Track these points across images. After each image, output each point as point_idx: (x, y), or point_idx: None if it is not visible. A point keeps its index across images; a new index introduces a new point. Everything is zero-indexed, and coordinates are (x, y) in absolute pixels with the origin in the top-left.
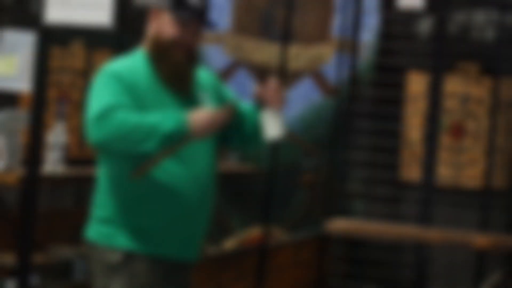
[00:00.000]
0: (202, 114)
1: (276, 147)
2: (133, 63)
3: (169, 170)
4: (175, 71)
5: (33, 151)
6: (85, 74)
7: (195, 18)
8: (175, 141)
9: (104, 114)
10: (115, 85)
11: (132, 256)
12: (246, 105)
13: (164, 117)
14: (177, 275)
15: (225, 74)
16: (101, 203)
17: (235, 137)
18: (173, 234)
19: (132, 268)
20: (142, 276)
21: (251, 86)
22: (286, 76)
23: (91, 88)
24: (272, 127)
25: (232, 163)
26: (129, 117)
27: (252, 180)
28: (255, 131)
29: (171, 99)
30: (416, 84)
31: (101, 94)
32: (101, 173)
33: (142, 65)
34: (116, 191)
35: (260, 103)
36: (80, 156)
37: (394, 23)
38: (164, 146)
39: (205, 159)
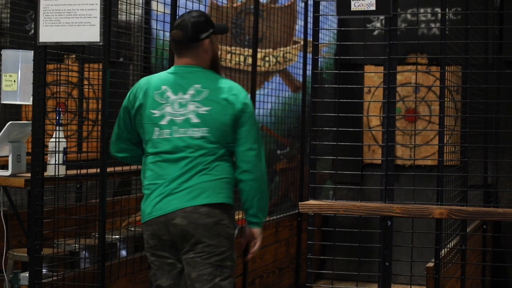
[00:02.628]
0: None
1: None
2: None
3: None
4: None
5: (37, 156)
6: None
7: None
8: None
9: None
10: None
11: None
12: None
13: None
14: None
15: None
16: None
17: None
18: None
19: None
20: None
21: None
22: (257, 76)
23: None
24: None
25: None
26: None
27: None
28: None
29: None
30: (372, 76)
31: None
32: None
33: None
34: None
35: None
36: (78, 158)
37: (350, 24)
38: None
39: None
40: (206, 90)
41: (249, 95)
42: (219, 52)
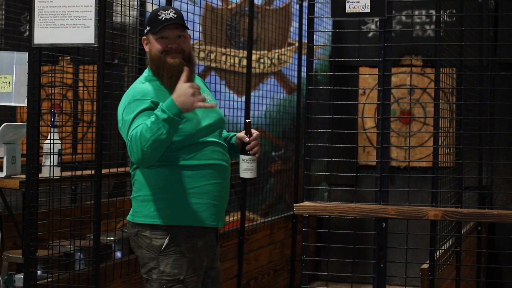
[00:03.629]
0: (177, 92)
1: None
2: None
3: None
4: (172, 73)
5: (32, 157)
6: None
7: (170, 28)
8: (176, 119)
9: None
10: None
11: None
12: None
13: (157, 109)
14: None
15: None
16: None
17: None
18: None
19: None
20: None
21: (221, 86)
22: (252, 78)
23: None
24: (249, 170)
25: None
26: (137, 129)
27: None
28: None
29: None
30: (367, 78)
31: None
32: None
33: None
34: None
35: (242, 146)
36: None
37: (345, 26)
38: (172, 127)
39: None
40: None
41: (129, 98)
42: (167, 48)
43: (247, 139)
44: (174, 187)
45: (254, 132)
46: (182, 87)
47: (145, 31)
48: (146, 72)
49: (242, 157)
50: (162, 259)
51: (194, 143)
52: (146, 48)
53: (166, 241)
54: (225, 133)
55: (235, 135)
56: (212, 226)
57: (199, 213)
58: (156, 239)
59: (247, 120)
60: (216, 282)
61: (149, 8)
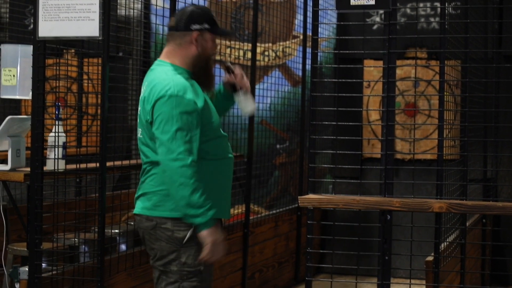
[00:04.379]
0: (214, 237)
1: (251, 136)
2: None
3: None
4: (211, 79)
5: (37, 150)
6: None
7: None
8: (198, 220)
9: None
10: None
11: None
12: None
13: (207, 208)
14: None
15: None
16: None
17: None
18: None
19: None
20: None
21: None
22: (256, 70)
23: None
24: (248, 104)
25: None
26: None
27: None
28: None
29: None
30: (372, 71)
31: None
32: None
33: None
34: None
35: (232, 87)
36: (77, 153)
37: (349, 18)
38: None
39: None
40: (145, 87)
41: (172, 88)
42: (214, 52)
43: (233, 77)
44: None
45: (236, 69)
46: (220, 245)
47: (200, 27)
48: (177, 69)
49: (236, 96)
50: (184, 251)
51: (217, 136)
52: (196, 43)
53: (189, 233)
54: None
55: (220, 87)
56: (227, 218)
57: (220, 206)
58: (179, 231)
59: (225, 63)
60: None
61: (153, 0)
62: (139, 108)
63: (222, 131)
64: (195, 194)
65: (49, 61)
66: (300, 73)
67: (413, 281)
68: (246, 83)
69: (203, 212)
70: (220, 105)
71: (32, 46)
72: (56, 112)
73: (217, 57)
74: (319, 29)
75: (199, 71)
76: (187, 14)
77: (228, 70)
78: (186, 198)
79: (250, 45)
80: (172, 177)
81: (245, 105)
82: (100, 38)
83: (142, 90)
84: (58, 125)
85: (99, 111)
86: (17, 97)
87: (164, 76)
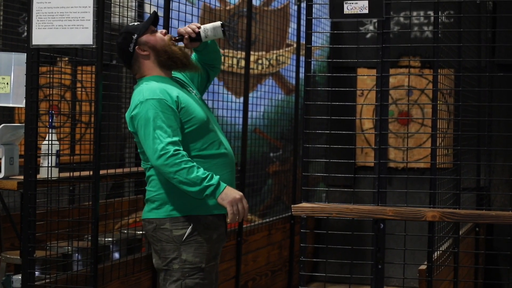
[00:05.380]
0: (230, 198)
1: (245, 144)
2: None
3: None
4: (184, 56)
5: (30, 158)
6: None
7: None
8: (211, 191)
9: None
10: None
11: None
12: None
13: (208, 178)
14: None
15: None
16: None
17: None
18: None
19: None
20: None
21: (219, 87)
22: (250, 79)
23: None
24: (211, 30)
25: None
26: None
27: None
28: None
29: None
30: (365, 79)
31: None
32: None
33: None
34: None
35: (193, 42)
36: (71, 161)
37: (343, 26)
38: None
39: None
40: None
41: (141, 95)
42: (164, 39)
43: (185, 40)
44: None
45: (178, 32)
46: (242, 199)
47: (134, 43)
48: (150, 78)
49: (202, 38)
50: (183, 249)
51: (207, 132)
52: (144, 52)
53: (188, 231)
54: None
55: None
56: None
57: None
58: (177, 229)
59: (172, 40)
60: (217, 277)
61: (147, 9)
62: None
63: (214, 126)
64: (191, 173)
65: (43, 69)
66: (294, 82)
67: None
68: (188, 28)
69: (206, 183)
70: (207, 57)
71: (25, 54)
72: (50, 120)
73: None
74: (313, 37)
75: (167, 61)
76: (118, 47)
77: (177, 40)
78: (185, 180)
79: (243, 53)
80: (165, 173)
81: (212, 32)
82: (93, 46)
83: None
84: (52, 133)
85: (92, 119)
86: (11, 105)
87: (136, 90)
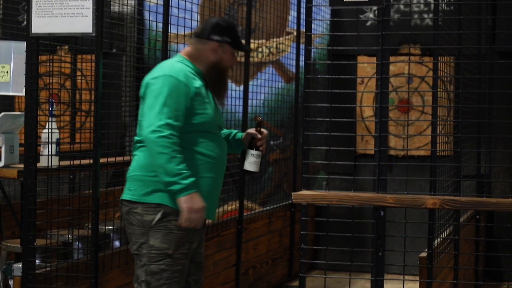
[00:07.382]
0: (190, 204)
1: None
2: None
3: (210, 148)
4: (223, 85)
5: (30, 147)
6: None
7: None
8: (176, 188)
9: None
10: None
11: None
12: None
13: (183, 176)
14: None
15: None
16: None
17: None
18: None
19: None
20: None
21: None
22: (250, 67)
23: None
24: (254, 165)
25: None
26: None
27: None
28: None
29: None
30: (366, 67)
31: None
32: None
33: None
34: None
35: (249, 142)
36: (71, 149)
37: (343, 14)
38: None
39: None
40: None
41: (167, 70)
42: (231, 65)
43: (259, 136)
44: None
45: (264, 131)
46: (201, 210)
47: (221, 39)
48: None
49: (250, 151)
50: (152, 234)
51: (210, 131)
52: (214, 52)
53: (158, 216)
54: (225, 130)
55: (238, 132)
56: (211, 220)
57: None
58: (148, 214)
59: (259, 118)
60: (200, 268)
61: None
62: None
63: (218, 131)
64: (171, 163)
65: (43, 58)
66: (294, 70)
67: (406, 277)
68: (265, 148)
69: (179, 180)
70: (230, 146)
71: (25, 42)
72: (50, 109)
73: None
74: (313, 25)
75: (212, 78)
76: (211, 25)
77: (259, 125)
78: (163, 166)
79: (243, 41)
80: (151, 148)
81: (250, 164)
82: (93, 35)
83: None
84: (52, 121)
85: (92, 108)
86: (11, 93)
87: (168, 61)
